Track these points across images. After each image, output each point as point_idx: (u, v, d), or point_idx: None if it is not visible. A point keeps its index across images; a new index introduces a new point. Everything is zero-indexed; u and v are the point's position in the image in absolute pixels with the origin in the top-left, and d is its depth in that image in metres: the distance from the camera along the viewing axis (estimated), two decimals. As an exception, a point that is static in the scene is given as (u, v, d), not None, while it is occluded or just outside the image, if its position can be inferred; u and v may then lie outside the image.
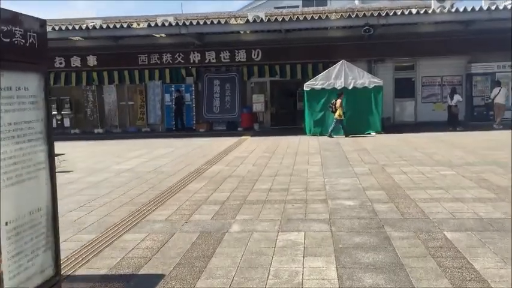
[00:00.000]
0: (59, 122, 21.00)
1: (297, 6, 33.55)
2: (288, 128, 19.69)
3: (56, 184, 3.67)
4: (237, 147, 14.75)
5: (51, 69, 20.41)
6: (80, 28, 18.12)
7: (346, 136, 16.35)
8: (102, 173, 10.42)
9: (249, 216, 6.35)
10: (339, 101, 16.42)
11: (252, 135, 17.98)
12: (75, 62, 20.49)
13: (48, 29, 18.18)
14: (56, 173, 9.38)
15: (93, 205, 7.34)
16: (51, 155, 3.48)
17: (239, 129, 20.19)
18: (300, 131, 18.11)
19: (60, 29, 18.10)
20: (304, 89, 17.59)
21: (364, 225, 5.74)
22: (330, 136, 16.38)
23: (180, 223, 6.14)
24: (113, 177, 9.91)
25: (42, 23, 3.28)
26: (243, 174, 9.79)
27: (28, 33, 3.02)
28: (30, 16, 3.12)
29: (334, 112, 16.49)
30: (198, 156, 12.90)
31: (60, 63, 20.48)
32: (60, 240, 5.44)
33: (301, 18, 17.63)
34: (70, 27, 18.15)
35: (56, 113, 20.86)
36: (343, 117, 16.46)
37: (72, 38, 19.25)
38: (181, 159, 12.31)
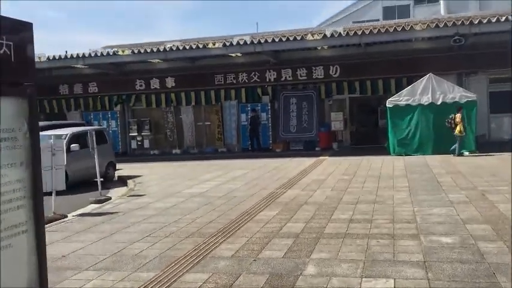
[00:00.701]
0: (139, 143, 21.39)
1: (377, 20, 32.28)
2: (369, 147, 18.50)
3: (45, 254, 2.53)
4: (314, 168, 13.91)
5: (133, 91, 20.92)
6: (158, 50, 18.35)
7: (456, 155, 14.87)
8: (173, 198, 10.05)
9: (327, 255, 5.51)
10: (458, 115, 14.97)
11: (330, 155, 17.03)
12: (155, 84, 20.80)
13: (128, 52, 18.64)
14: (127, 198, 9.02)
15: (158, 235, 6.86)
16: (38, 214, 2.48)
17: (317, 148, 19.32)
18: (382, 150, 16.89)
19: (139, 52, 18.45)
20: (387, 105, 16.41)
21: (470, 273, 4.68)
22: (459, 155, 14.92)
23: (248, 261, 5.44)
24: (184, 202, 9.48)
25: (25, 27, 2.48)
26: (320, 200, 8.95)
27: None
28: (5, 17, 2.33)
29: (453, 128, 15.04)
30: (273, 178, 12.23)
31: (141, 86, 20.89)
32: (116, 280, 4.96)
33: (382, 30, 16.55)
34: (149, 50, 18.43)
35: (136, 134, 21.30)
36: (463, 133, 15.00)
37: (151, 60, 19.56)
38: (255, 182, 11.70)
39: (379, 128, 19.27)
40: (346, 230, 6.60)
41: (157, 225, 7.47)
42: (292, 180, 11.69)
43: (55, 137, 10.83)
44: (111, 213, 8.67)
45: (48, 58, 18.85)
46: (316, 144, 19.55)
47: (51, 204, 8.47)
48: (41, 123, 16.15)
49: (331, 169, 13.46)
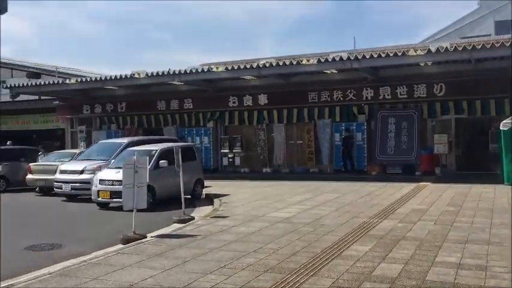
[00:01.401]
0: (230, 160, 21.25)
1: (489, 35, 29.70)
2: (478, 173, 16.58)
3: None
4: (413, 196, 12.58)
5: (226, 108, 20.90)
6: (251, 67, 18.11)
7: None
8: (258, 222, 9.42)
9: (430, 312, 4.49)
10: None
11: (432, 182, 15.46)
12: (248, 101, 20.60)
13: (222, 69, 18.61)
14: (209, 220, 8.54)
15: (235, 267, 6.23)
16: None
17: (417, 173, 17.75)
18: (493, 178, 14.99)
19: (233, 68, 18.34)
20: (501, 128, 14.56)
21: None
22: None
23: (332, 311, 4.59)
24: (267, 228, 8.81)
25: None
26: (421, 235, 7.79)
27: None
28: None
29: None
30: (367, 205, 11.16)
31: (234, 103, 20.81)
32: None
33: (497, 45, 14.81)
34: (242, 67, 18.26)
35: (228, 151, 21.19)
36: None
37: (244, 77, 19.39)
38: (346, 209, 10.73)
39: (489, 152, 17.26)
40: (454, 279, 5.48)
41: (235, 254, 6.86)
42: (388, 209, 10.55)
43: (139, 154, 10.76)
44: (191, 236, 8.24)
45: (146, 74, 19.42)
46: (416, 168, 17.99)
47: (132, 223, 8.23)
48: (134, 138, 16.60)
49: (433, 198, 12.06)
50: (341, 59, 16.88)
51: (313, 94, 19.34)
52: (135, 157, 8.28)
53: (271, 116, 20.54)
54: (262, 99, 20.25)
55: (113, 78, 20.04)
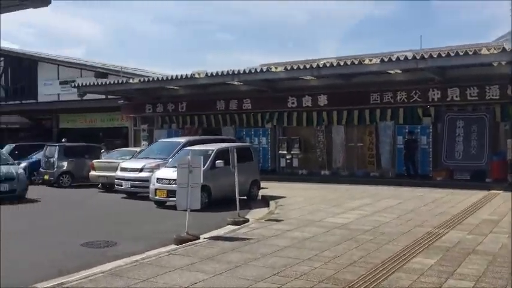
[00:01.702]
0: (288, 161, 20.93)
1: None
2: (558, 183, 15.25)
3: None
4: (484, 205, 11.70)
5: (285, 109, 20.61)
6: (311, 67, 17.70)
7: None
8: (313, 227, 9.05)
9: None
10: None
11: (504, 190, 14.37)
12: (307, 101, 20.17)
13: (281, 69, 18.33)
14: (264, 223, 8.29)
15: (287, 275, 5.92)
16: None
17: (487, 180, 16.58)
18: None
19: (292, 68, 18.02)
20: None
21: None
22: None
23: (392, 332, 4.17)
24: (324, 234, 8.42)
25: None
26: (493, 250, 7.13)
27: None
28: None
29: None
30: (431, 213, 10.48)
31: (293, 103, 20.46)
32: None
33: None
34: (301, 67, 17.90)
35: (286, 152, 20.88)
36: None
37: (304, 77, 19.01)
38: (409, 217, 10.11)
39: None
40: (534, 302, 4.87)
41: (288, 261, 6.55)
42: (455, 218, 9.83)
43: (195, 153, 10.68)
44: (244, 239, 8.01)
45: (206, 74, 19.51)
46: (487, 175, 16.81)
47: (186, 223, 8.13)
48: (192, 138, 16.70)
49: (506, 207, 11.14)
50: (406, 58, 16.11)
51: (375, 95, 18.61)
52: (189, 157, 8.17)
53: (331, 117, 20.01)
54: (322, 100, 19.76)
55: (174, 78, 20.31)
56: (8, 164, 13.77)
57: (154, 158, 14.41)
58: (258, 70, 18.85)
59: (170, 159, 13.39)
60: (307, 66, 17.75)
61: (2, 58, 36.22)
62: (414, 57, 15.86)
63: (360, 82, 18.68)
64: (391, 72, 17.38)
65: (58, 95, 31.37)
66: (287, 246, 7.46)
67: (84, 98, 27.22)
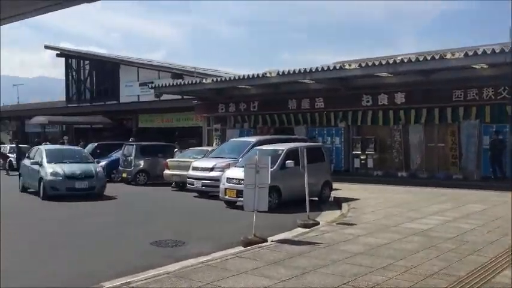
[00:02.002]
0: (362, 162, 20.20)
1: None
2: None
3: None
4: None
5: (359, 107, 19.91)
6: (387, 63, 16.89)
7: None
8: (388, 233, 8.49)
9: None
10: None
11: None
12: (383, 100, 19.34)
13: (354, 66, 17.67)
14: (335, 226, 7.89)
15: (358, 285, 5.50)
16: None
17: None
18: None
19: (366, 65, 17.31)
20: None
21: None
22: None
23: None
24: (400, 240, 7.85)
25: None
26: None
27: None
28: None
29: None
30: (523, 221, 9.48)
31: (368, 102, 19.71)
32: None
33: None
34: (377, 63, 17.13)
35: (360, 152, 20.17)
36: None
37: (379, 74, 18.21)
38: (496, 224, 9.22)
39: None
40: None
41: (360, 270, 6.11)
42: (551, 228, 8.80)
43: (265, 153, 10.46)
44: (313, 243, 7.65)
45: (278, 73, 19.29)
46: None
47: (253, 225, 7.91)
48: (262, 137, 16.52)
49: None
50: (493, 52, 14.86)
51: (458, 92, 17.40)
52: (256, 157, 7.94)
53: (408, 116, 19.01)
54: (399, 97, 18.82)
55: (246, 77, 20.30)
56: (88, 163, 14.40)
57: (225, 158, 14.40)
58: (331, 68, 18.30)
59: (240, 159, 13.28)
60: (383, 62, 16.96)
61: (87, 62, 38.44)
62: (503, 51, 14.60)
63: (441, 78, 17.54)
64: (476, 67, 16.13)
65: (138, 96, 32.69)
66: (359, 253, 7.01)
67: (161, 98, 28.22)
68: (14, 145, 29.44)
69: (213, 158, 14.89)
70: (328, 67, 18.29)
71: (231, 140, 17.52)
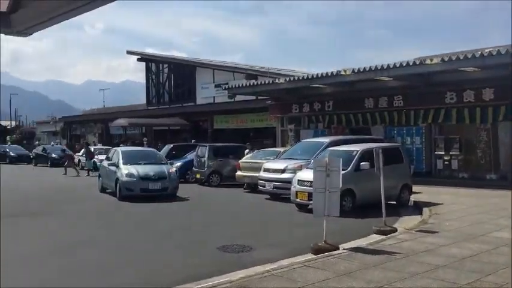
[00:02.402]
0: (446, 163, 18.90)
1: None
2: None
3: None
4: None
5: (441, 105, 18.64)
6: (473, 56, 15.58)
7: None
8: (475, 243, 7.66)
9: None
10: None
11: None
12: (468, 96, 17.94)
13: (437, 61, 16.52)
14: (414, 234, 7.22)
15: (439, 304, 4.88)
16: None
17: None
18: None
19: (450, 59, 16.09)
20: None
21: None
22: None
23: None
24: (488, 252, 7.02)
25: None
26: None
27: None
28: None
29: None
30: None
31: (451, 99, 18.40)
32: None
33: None
34: (461, 57, 15.87)
35: (443, 153, 18.89)
36: None
37: (465, 69, 16.87)
38: None
39: None
40: None
41: (443, 285, 5.46)
42: None
43: (337, 154, 9.93)
44: (389, 253, 7.04)
45: (353, 71, 18.54)
46: None
47: (323, 231, 7.45)
48: (336, 138, 15.90)
49: None
50: None
51: (557, 86, 15.67)
52: (326, 159, 7.46)
53: (497, 114, 17.45)
54: (487, 94, 17.35)
55: (320, 76, 19.73)
56: (161, 164, 14.61)
57: (297, 159, 13.99)
58: (411, 63, 17.24)
59: (312, 160, 12.80)
60: (469, 56, 15.68)
61: (166, 65, 39.73)
62: None
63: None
64: None
65: (213, 97, 33.20)
66: (441, 266, 6.32)
67: (236, 99, 28.41)
68: (98, 146, 31.09)
69: (284, 159, 14.53)
70: (408, 62, 17.24)
71: (304, 140, 17.06)
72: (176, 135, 34.04)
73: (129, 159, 14.40)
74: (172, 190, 14.01)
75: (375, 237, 8.37)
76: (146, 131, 36.03)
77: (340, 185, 7.59)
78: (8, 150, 37.27)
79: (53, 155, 31.36)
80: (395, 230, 8.80)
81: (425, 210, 11.16)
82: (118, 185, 13.67)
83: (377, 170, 9.10)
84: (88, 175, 23.13)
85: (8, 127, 66.50)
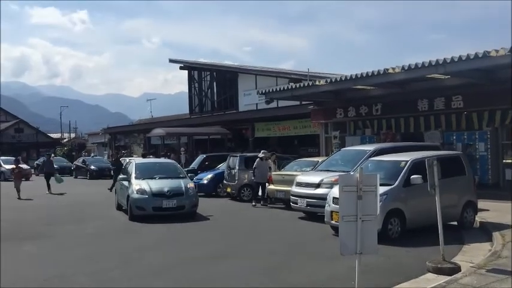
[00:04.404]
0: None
1: None
2: None
3: None
4: None
5: (510, 105, 15.91)
6: (551, 45, 12.91)
7: None
8: None
9: None
10: None
11: None
12: (543, 94, 15.17)
13: (503, 52, 13.91)
14: (485, 276, 4.85)
15: None
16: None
17: None
18: None
19: (520, 50, 13.47)
20: None
21: None
22: None
23: None
24: None
25: None
26: None
27: None
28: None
29: None
30: None
31: (522, 98, 15.64)
32: None
33: None
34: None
35: (513, 161, 16.12)
36: None
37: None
38: None
39: None
40: None
41: None
42: None
43: (374, 166, 7.85)
44: (449, 310, 4.90)
45: (403, 68, 16.18)
46: None
47: (355, 276, 5.42)
48: (383, 145, 13.67)
49: None
50: None
51: None
52: (357, 175, 5.43)
53: None
54: None
55: (364, 76, 17.50)
56: (178, 178, 12.80)
57: (335, 171, 11.88)
58: (471, 57, 14.72)
59: (352, 172, 10.68)
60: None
61: (208, 73, 38.58)
62: None
63: None
64: None
65: (256, 104, 31.50)
66: None
67: (279, 105, 26.54)
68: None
69: (321, 171, 12.45)
70: (468, 56, 14.72)
71: (344, 148, 14.90)
72: (219, 145, 32.62)
73: (143, 172, 12.73)
74: (190, 208, 12.12)
75: (429, 277, 6.27)
76: (188, 141, 34.88)
77: (378, 211, 5.54)
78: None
79: (92, 167, 30.69)
80: (458, 269, 6.60)
81: (496, 235, 8.79)
82: (129, 202, 12.03)
83: (430, 188, 6.95)
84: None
85: (62, 140, 68.10)
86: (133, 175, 12.55)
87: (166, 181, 12.33)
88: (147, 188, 11.90)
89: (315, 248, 8.88)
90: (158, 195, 11.80)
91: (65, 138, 71.23)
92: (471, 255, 7.65)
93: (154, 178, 12.50)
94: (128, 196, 12.05)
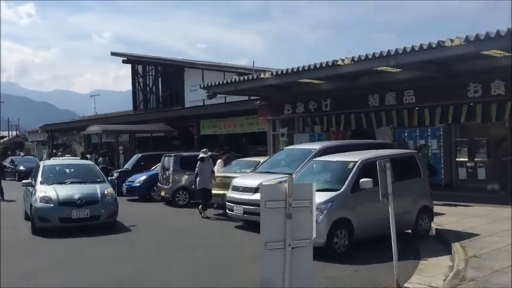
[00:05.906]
0: (470, 171, 15.36)
1: None
2: None
3: None
4: None
5: (463, 100, 15.10)
6: (498, 36, 12.02)
7: None
8: None
9: None
10: None
11: None
12: (497, 88, 14.39)
13: (460, 42, 12.95)
14: None
15: None
16: None
17: None
18: None
19: (476, 39, 12.54)
20: None
21: None
22: None
23: None
24: None
25: None
26: None
27: None
28: None
29: None
30: None
31: (475, 92, 14.85)
32: None
33: None
34: (493, 36, 12.33)
35: (466, 159, 15.37)
36: None
37: (490, 53, 13.33)
38: None
39: None
40: None
41: None
42: None
43: (318, 168, 6.51)
44: None
45: (352, 60, 15.01)
46: None
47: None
48: (330, 143, 12.44)
49: None
50: None
51: None
52: (285, 185, 3.96)
53: (537, 109, 13.89)
54: (522, 84, 13.79)
55: (311, 68, 16.25)
56: (94, 182, 10.86)
57: (277, 173, 10.46)
58: (425, 47, 13.70)
59: (294, 175, 9.27)
60: (492, 35, 12.08)
61: (152, 67, 36.54)
62: None
63: None
64: None
65: (203, 100, 29.82)
66: None
67: (228, 101, 25.09)
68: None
69: (261, 173, 10.98)
70: (421, 46, 13.67)
71: (287, 147, 13.52)
72: (164, 143, 30.71)
73: (51, 176, 10.79)
74: (106, 218, 10.20)
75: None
76: (130, 139, 32.72)
77: (314, 236, 4.09)
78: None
79: (21, 168, 28.07)
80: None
81: (456, 247, 7.60)
82: (31, 212, 10.09)
83: (382, 197, 5.60)
84: None
85: (2, 138, 63.95)
86: (38, 179, 10.58)
87: (79, 186, 10.41)
88: (53, 195, 9.94)
89: (246, 270, 7.33)
90: (66, 203, 9.86)
91: (5, 137, 66.97)
92: (430, 275, 6.41)
93: (65, 183, 10.59)
94: (31, 205, 10.10)
